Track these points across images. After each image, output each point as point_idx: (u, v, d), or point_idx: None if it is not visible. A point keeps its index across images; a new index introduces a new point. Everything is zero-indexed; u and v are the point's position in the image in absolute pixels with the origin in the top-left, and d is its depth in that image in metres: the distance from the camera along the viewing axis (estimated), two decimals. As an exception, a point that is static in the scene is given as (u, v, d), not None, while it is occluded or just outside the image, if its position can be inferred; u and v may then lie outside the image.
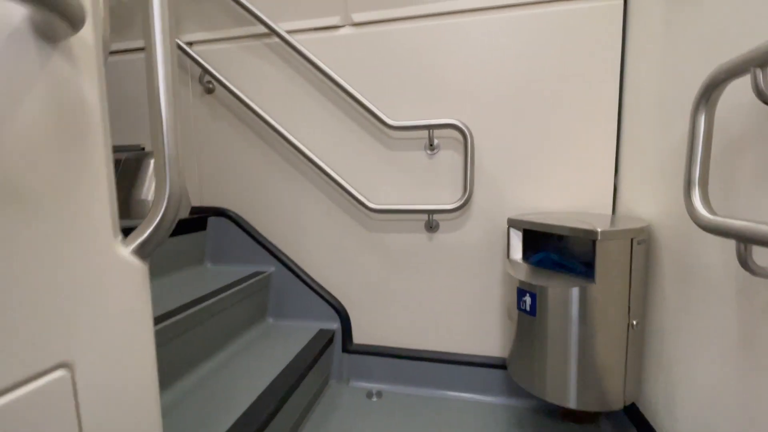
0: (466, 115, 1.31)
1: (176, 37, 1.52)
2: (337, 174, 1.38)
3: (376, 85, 1.38)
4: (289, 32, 1.43)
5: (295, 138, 1.45)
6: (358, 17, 1.37)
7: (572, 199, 1.26)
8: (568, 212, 1.23)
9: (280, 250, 1.57)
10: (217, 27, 1.51)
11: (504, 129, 1.29)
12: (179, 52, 1.50)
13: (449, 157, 1.34)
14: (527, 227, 1.11)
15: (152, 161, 1.60)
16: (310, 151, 1.40)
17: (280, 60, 1.46)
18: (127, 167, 1.58)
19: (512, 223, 1.17)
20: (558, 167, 1.26)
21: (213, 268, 1.60)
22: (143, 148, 1.69)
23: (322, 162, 1.39)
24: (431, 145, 1.33)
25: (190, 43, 1.55)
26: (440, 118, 1.32)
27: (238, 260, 1.59)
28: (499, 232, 1.34)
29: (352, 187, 1.38)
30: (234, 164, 1.58)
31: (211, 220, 1.61)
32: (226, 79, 1.51)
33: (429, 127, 1.28)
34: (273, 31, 1.38)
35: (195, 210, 1.64)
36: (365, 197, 1.37)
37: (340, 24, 1.39)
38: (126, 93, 1.68)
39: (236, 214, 1.60)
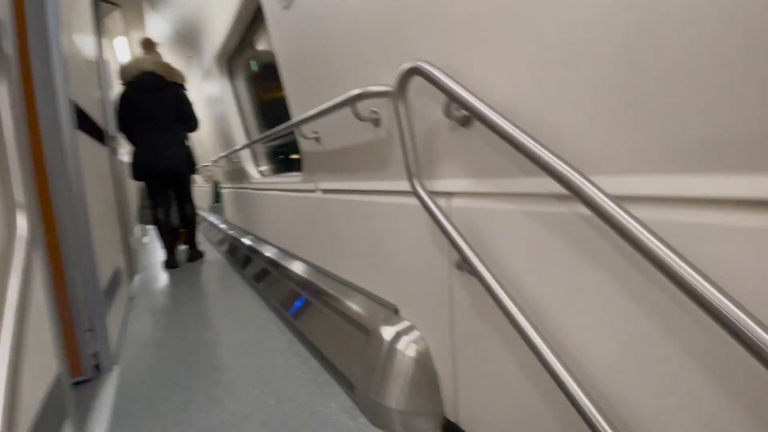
0: None
1: (424, 182, 1.05)
2: None
3: None
4: (618, 198, 0.65)
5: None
6: None
7: None
8: None
9: None
10: (489, 172, 0.92)
11: None
12: (419, 203, 1.02)
13: None
14: None
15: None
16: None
17: (603, 253, 0.71)
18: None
19: None
20: None
21: None
22: (396, 310, 1.35)
23: None
24: None
25: (448, 194, 1.04)
26: None
27: None
28: None
29: None
30: (497, 384, 0.96)
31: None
32: (487, 259, 0.90)
33: None
34: (576, 193, 0.65)
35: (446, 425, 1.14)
36: None
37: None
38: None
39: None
